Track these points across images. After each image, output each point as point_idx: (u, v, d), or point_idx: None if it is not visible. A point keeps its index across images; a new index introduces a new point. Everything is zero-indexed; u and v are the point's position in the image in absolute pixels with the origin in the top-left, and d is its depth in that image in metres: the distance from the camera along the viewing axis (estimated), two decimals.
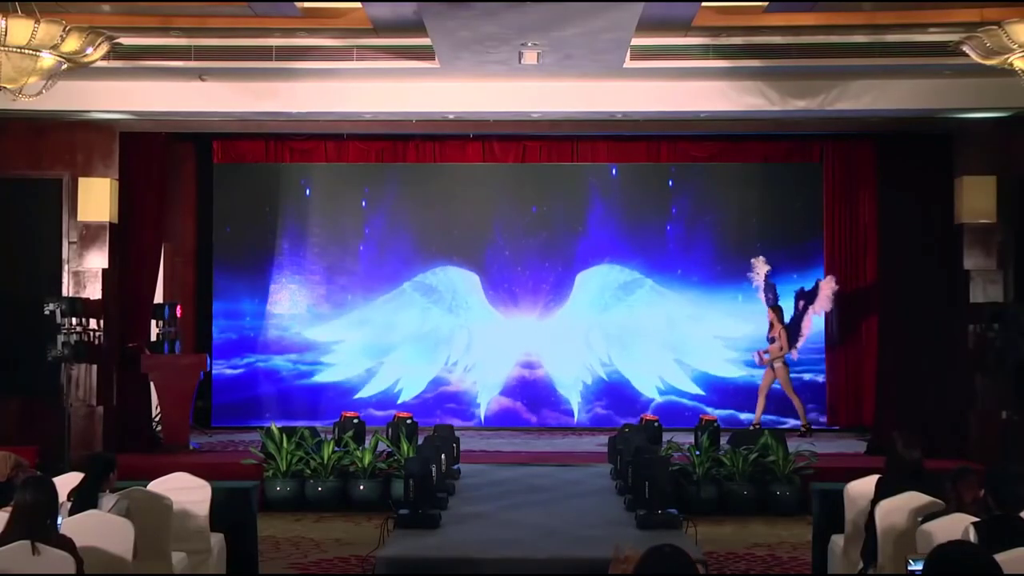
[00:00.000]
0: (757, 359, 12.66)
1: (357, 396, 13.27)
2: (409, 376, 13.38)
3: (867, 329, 13.06)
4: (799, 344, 12.83)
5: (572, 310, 13.39)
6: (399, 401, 13.19)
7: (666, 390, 13.24)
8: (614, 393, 13.28)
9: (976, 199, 11.06)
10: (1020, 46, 7.23)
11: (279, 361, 13.42)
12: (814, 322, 12.97)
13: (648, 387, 13.29)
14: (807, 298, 13.05)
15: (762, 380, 12.68)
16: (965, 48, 7.66)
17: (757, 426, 12.38)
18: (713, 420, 10.50)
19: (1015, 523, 4.95)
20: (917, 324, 11.37)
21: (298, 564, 8.03)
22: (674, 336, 13.36)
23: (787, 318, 12.75)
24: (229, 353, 13.40)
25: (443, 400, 13.31)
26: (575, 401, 13.29)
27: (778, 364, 12.50)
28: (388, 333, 13.42)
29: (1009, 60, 7.42)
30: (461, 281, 13.48)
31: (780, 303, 12.72)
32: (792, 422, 12.74)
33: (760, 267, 12.71)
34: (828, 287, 12.78)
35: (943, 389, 11.23)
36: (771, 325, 12.56)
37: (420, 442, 9.86)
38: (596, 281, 13.42)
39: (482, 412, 13.30)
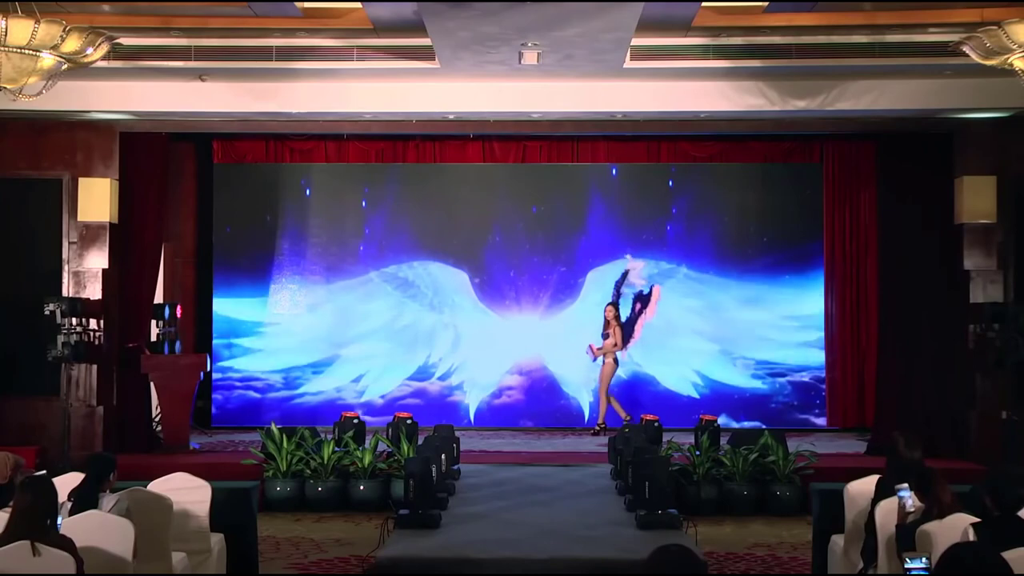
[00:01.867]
0: (591, 354, 12.59)
1: (356, 397, 13.26)
2: (406, 375, 13.36)
3: (867, 329, 13.07)
4: (630, 345, 13.04)
5: (581, 309, 13.32)
6: (395, 401, 13.18)
7: (670, 390, 13.23)
8: (628, 392, 13.21)
9: (976, 199, 11.06)
10: (1020, 46, 7.23)
11: (279, 361, 13.40)
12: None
13: (656, 386, 13.27)
14: (643, 302, 13.23)
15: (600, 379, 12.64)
16: (965, 48, 7.66)
17: (603, 425, 12.54)
18: (713, 420, 10.50)
19: (1015, 523, 4.95)
20: (917, 324, 11.37)
21: (298, 564, 8.03)
22: (676, 336, 13.34)
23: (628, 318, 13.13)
24: (229, 353, 13.38)
25: (441, 399, 13.28)
26: (585, 401, 13.25)
27: (608, 359, 12.52)
28: (385, 334, 13.39)
29: (1009, 60, 7.42)
30: (459, 280, 13.47)
31: (620, 302, 13.03)
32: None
33: (629, 264, 13.13)
34: (657, 294, 13.12)
35: (943, 389, 11.23)
36: (607, 322, 12.58)
37: (420, 442, 9.87)
38: (609, 279, 13.37)
39: (471, 412, 13.26)
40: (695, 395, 13.18)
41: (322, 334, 13.40)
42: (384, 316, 13.43)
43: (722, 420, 11.30)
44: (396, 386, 13.31)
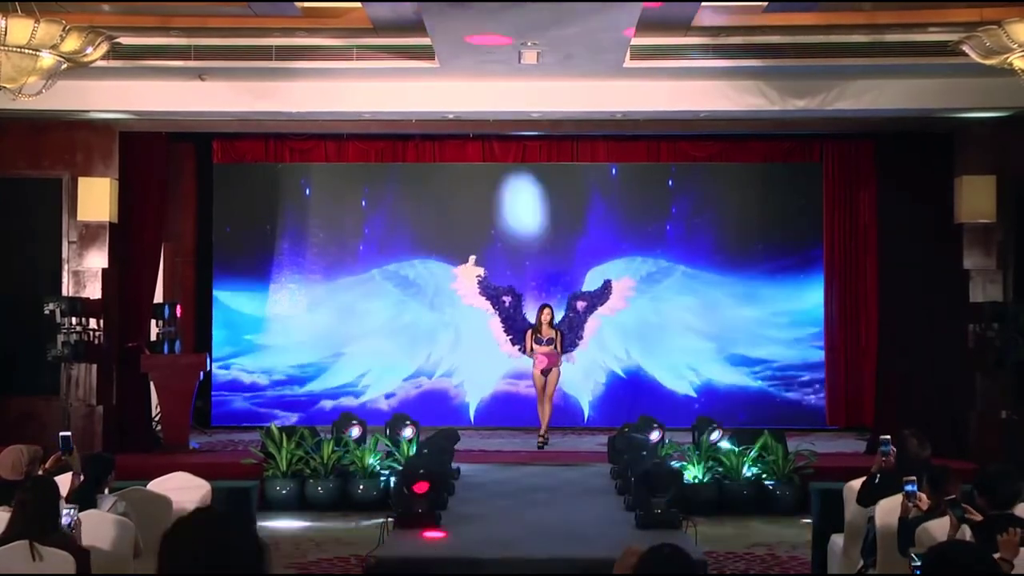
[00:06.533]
0: (556, 361, 11.72)
1: (356, 397, 13.26)
2: (406, 376, 13.35)
3: (867, 329, 13.06)
4: (580, 347, 12.76)
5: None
6: (395, 400, 13.18)
7: (670, 390, 13.22)
8: (628, 391, 13.19)
9: (976, 199, 11.06)
10: (1020, 46, 7.23)
11: (279, 361, 13.39)
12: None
13: (654, 386, 13.26)
14: (589, 299, 12.98)
15: (548, 387, 11.70)
16: (965, 48, 7.66)
17: (545, 436, 11.66)
18: (712, 420, 10.49)
19: (1013, 522, 4.95)
20: (917, 324, 11.37)
21: (298, 564, 8.03)
22: (676, 336, 13.34)
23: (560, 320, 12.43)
24: (229, 353, 13.38)
25: (441, 400, 13.27)
26: (585, 400, 13.25)
27: (561, 367, 11.85)
28: (385, 333, 13.37)
29: (1009, 60, 7.43)
30: (457, 281, 13.46)
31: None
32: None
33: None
34: (623, 289, 12.97)
35: (943, 389, 11.23)
36: (545, 326, 11.75)
37: (420, 441, 9.87)
38: (610, 277, 13.32)
39: (471, 412, 13.25)
40: (693, 394, 13.17)
41: (323, 333, 13.40)
42: (385, 315, 13.42)
43: (721, 420, 11.26)
44: (396, 385, 13.30)
